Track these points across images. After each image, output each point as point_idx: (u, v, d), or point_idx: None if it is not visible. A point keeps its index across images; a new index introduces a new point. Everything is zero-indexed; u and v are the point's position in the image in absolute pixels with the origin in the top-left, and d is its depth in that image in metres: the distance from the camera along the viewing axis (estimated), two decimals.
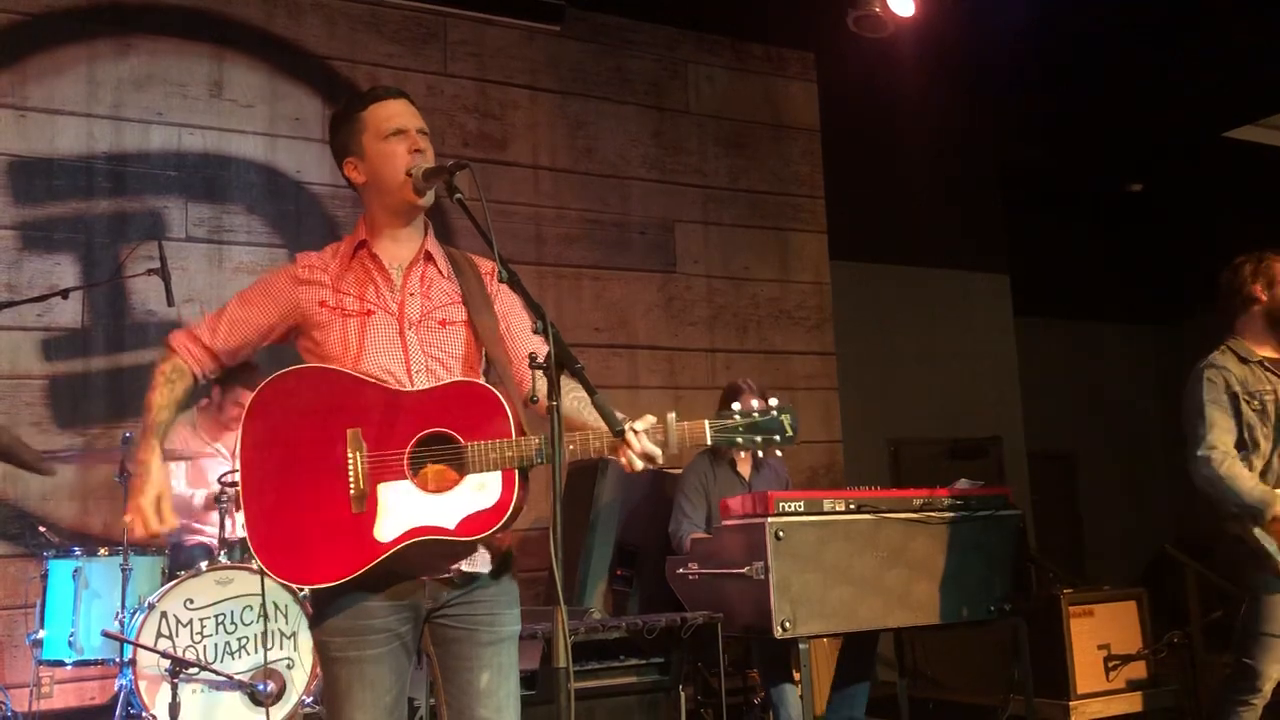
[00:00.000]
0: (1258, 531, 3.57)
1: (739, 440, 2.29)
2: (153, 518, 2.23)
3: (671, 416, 2.23)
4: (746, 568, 3.91)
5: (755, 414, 2.29)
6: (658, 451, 2.20)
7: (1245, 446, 3.65)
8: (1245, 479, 3.58)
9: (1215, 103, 7.55)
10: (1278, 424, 3.64)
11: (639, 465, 2.20)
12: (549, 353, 2.10)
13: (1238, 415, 3.66)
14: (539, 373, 2.11)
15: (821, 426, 6.58)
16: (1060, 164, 8.43)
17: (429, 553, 2.23)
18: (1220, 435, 3.62)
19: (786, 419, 2.30)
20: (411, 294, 2.38)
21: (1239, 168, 8.23)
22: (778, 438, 2.30)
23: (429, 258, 2.43)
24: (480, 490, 2.21)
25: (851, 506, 4.08)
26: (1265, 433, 3.65)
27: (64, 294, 4.41)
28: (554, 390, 2.08)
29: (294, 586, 3.63)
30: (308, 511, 2.22)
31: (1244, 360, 3.71)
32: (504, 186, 5.96)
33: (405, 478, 2.22)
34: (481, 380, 2.32)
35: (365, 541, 2.19)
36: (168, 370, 2.38)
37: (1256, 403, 3.65)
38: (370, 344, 2.32)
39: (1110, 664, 5.08)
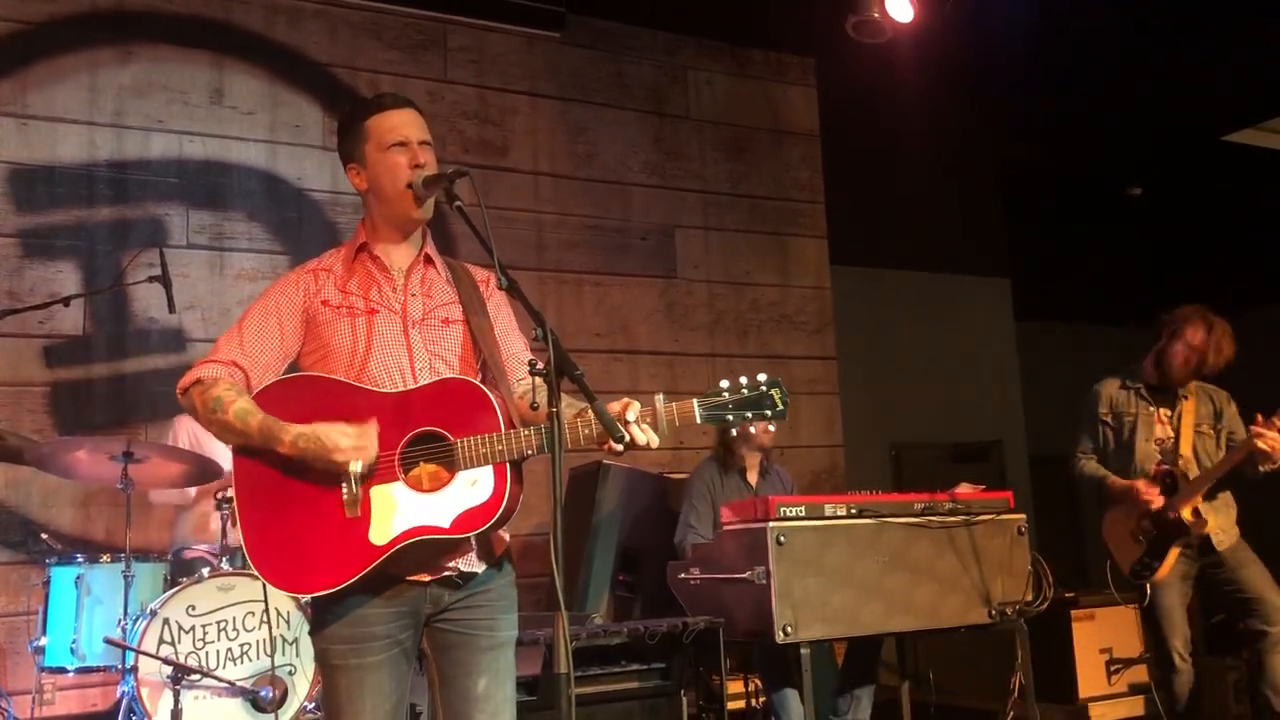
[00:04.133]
0: (1105, 524, 4.18)
1: (729, 418, 2.21)
2: (368, 446, 2.18)
3: (659, 399, 2.20)
4: (748, 572, 3.89)
5: (744, 389, 2.22)
6: (655, 440, 2.18)
7: (1105, 462, 4.26)
8: (1089, 468, 4.24)
9: (1214, 106, 7.55)
10: (1129, 443, 4.20)
11: (618, 449, 2.16)
12: (549, 358, 2.10)
13: (1097, 436, 4.32)
14: (539, 379, 2.10)
15: (823, 431, 6.53)
16: (1060, 166, 8.43)
17: (426, 552, 2.23)
18: (1083, 444, 4.35)
19: (776, 393, 2.22)
20: (413, 294, 2.40)
21: (1238, 172, 8.23)
22: (769, 412, 2.22)
23: (428, 261, 2.45)
24: (473, 486, 2.20)
25: (853, 511, 4.07)
26: (1116, 455, 4.24)
27: (66, 301, 4.43)
28: (554, 396, 2.09)
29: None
30: (302, 519, 2.21)
31: (1125, 385, 4.30)
32: (504, 192, 5.97)
33: (398, 479, 2.22)
34: (468, 377, 2.30)
35: (361, 546, 2.19)
36: (224, 388, 2.26)
37: (1118, 424, 4.26)
38: (377, 342, 2.33)
39: (1112, 668, 5.08)
